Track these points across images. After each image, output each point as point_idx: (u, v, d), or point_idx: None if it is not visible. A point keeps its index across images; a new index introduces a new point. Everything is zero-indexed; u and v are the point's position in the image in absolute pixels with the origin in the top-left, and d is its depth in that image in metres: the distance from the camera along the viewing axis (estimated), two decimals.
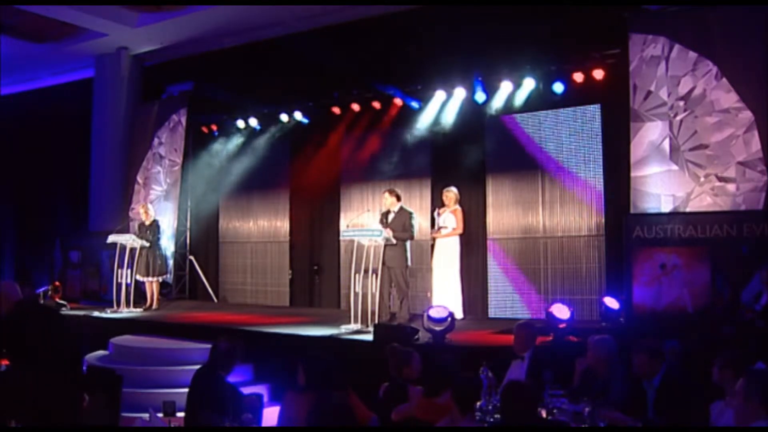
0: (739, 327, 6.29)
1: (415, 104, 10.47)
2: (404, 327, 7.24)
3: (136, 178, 12.74)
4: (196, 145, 12.64)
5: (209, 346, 5.19)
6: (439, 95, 10.10)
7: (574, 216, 9.45)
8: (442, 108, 10.17)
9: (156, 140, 12.58)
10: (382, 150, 10.96)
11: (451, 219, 8.98)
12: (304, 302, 11.73)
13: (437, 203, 9.46)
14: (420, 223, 10.42)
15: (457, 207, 9.02)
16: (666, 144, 7.92)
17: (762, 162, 7.40)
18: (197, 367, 5.28)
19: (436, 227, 9.06)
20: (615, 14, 8.28)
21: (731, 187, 7.55)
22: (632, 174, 8.06)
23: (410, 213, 8.62)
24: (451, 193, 9.05)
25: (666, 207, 7.83)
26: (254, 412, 4.87)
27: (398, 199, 8.66)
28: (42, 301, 10.97)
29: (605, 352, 4.94)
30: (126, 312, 10.12)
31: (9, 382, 3.04)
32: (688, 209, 7.69)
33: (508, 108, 9.69)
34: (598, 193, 9.27)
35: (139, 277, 10.50)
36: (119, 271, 10.35)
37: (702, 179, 7.70)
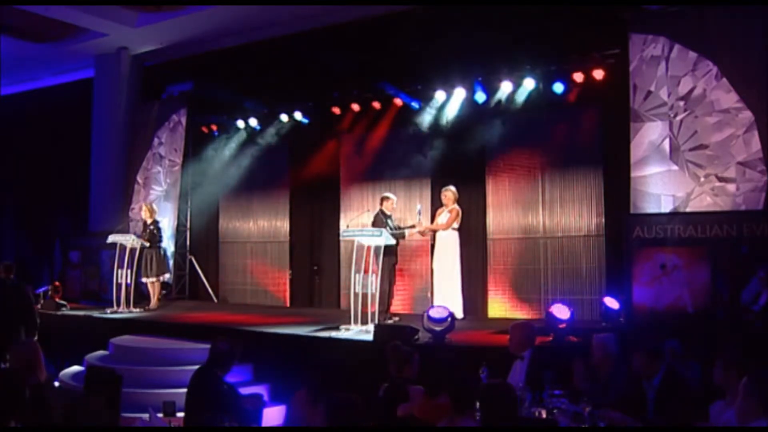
0: (739, 327, 6.29)
1: (415, 104, 10.47)
2: (404, 327, 7.24)
3: (136, 178, 12.73)
4: (196, 145, 12.63)
5: (209, 346, 5.19)
6: (439, 95, 10.10)
7: (574, 216, 9.45)
8: (442, 108, 10.18)
9: (156, 140, 12.58)
10: (382, 150, 10.97)
11: (445, 217, 9.00)
12: (304, 302, 11.73)
13: (437, 203, 9.46)
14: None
15: (455, 206, 9.03)
16: (666, 144, 7.92)
17: (762, 162, 7.40)
18: (197, 367, 5.28)
19: (418, 221, 9.20)
20: (615, 14, 8.28)
21: (731, 187, 7.55)
22: (632, 174, 8.05)
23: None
24: (449, 193, 9.06)
25: (666, 207, 7.83)
26: (254, 411, 4.87)
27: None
28: (42, 301, 10.97)
29: (609, 350, 4.95)
30: (126, 312, 10.12)
31: None
32: (688, 209, 7.68)
33: (508, 108, 9.69)
34: (598, 193, 9.27)
35: (142, 278, 10.53)
36: (119, 271, 10.35)
37: (702, 179, 7.70)
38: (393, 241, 8.44)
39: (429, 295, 9.80)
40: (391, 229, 8.73)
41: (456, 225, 9.01)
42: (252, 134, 12.23)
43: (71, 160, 13.59)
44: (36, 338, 8.32)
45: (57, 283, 11.65)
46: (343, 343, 7.43)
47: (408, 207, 10.60)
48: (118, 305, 10.26)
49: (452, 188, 9.10)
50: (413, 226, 9.27)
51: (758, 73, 7.49)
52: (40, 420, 3.80)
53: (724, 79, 7.63)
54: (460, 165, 10.04)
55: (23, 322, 8.43)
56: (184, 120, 12.29)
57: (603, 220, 9.21)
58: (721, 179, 7.60)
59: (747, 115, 7.51)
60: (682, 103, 7.85)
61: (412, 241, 10.27)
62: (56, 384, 7.65)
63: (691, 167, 7.77)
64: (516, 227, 9.84)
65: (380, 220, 8.84)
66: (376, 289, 7.89)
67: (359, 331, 7.68)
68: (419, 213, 9.25)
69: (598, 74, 8.89)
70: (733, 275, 6.80)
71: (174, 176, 12.29)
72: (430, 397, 4.58)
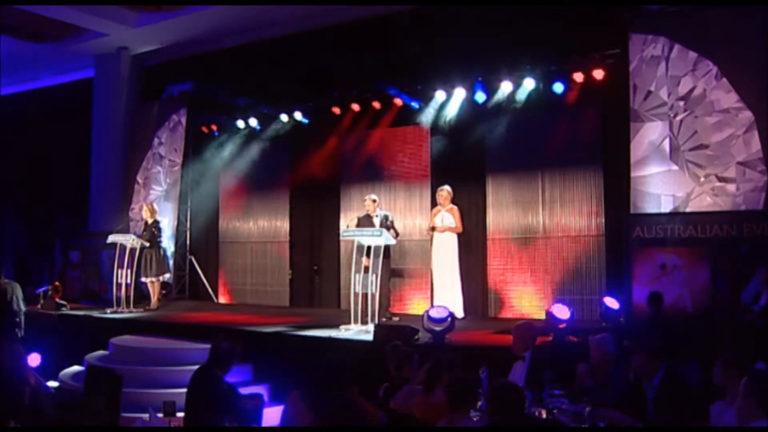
0: (739, 327, 6.29)
1: (415, 104, 10.48)
2: (404, 327, 7.24)
3: (136, 178, 12.73)
4: (196, 145, 12.64)
5: (209, 346, 5.18)
6: (439, 95, 10.10)
7: (574, 216, 9.44)
8: (442, 108, 10.18)
9: (156, 140, 12.58)
10: (382, 150, 10.97)
11: (449, 218, 9.00)
12: (304, 302, 11.73)
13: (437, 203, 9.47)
14: (420, 223, 10.46)
15: (453, 206, 9.04)
16: (666, 144, 7.92)
17: (762, 162, 7.41)
18: (197, 367, 5.28)
19: (430, 226, 9.13)
20: (615, 14, 8.29)
21: (731, 187, 7.55)
22: (632, 174, 8.05)
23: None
24: (445, 192, 9.08)
25: (666, 207, 7.83)
26: (254, 411, 4.86)
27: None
28: (42, 301, 10.99)
29: (606, 350, 4.95)
30: (126, 312, 10.12)
31: None
32: (688, 209, 7.69)
33: (508, 108, 9.69)
34: (598, 193, 9.27)
35: (142, 278, 10.54)
36: (119, 271, 10.35)
37: (702, 179, 7.70)
38: (393, 242, 8.46)
39: (429, 295, 9.80)
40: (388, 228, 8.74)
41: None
42: (252, 134, 12.23)
43: (71, 160, 13.58)
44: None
45: (57, 283, 11.65)
46: (343, 343, 7.42)
47: (408, 207, 10.62)
48: (118, 305, 10.26)
49: (447, 188, 9.12)
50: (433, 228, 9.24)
51: (758, 73, 7.50)
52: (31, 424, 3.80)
53: (724, 79, 7.64)
54: (460, 165, 10.05)
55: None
56: (184, 120, 12.29)
57: (603, 220, 9.21)
58: (721, 179, 7.60)
59: (747, 115, 7.51)
60: (682, 103, 7.86)
61: (412, 241, 10.27)
62: (55, 383, 7.69)
63: (691, 167, 7.77)
64: (516, 227, 9.84)
65: (363, 223, 8.90)
66: (376, 288, 7.90)
67: (359, 331, 7.68)
68: (390, 227, 8.99)
69: (598, 74, 8.90)
70: (733, 275, 6.81)
71: (174, 176, 12.28)
72: (428, 397, 4.58)
